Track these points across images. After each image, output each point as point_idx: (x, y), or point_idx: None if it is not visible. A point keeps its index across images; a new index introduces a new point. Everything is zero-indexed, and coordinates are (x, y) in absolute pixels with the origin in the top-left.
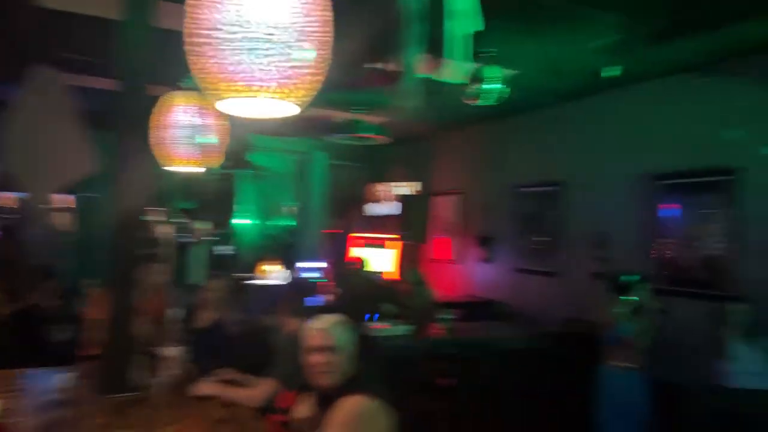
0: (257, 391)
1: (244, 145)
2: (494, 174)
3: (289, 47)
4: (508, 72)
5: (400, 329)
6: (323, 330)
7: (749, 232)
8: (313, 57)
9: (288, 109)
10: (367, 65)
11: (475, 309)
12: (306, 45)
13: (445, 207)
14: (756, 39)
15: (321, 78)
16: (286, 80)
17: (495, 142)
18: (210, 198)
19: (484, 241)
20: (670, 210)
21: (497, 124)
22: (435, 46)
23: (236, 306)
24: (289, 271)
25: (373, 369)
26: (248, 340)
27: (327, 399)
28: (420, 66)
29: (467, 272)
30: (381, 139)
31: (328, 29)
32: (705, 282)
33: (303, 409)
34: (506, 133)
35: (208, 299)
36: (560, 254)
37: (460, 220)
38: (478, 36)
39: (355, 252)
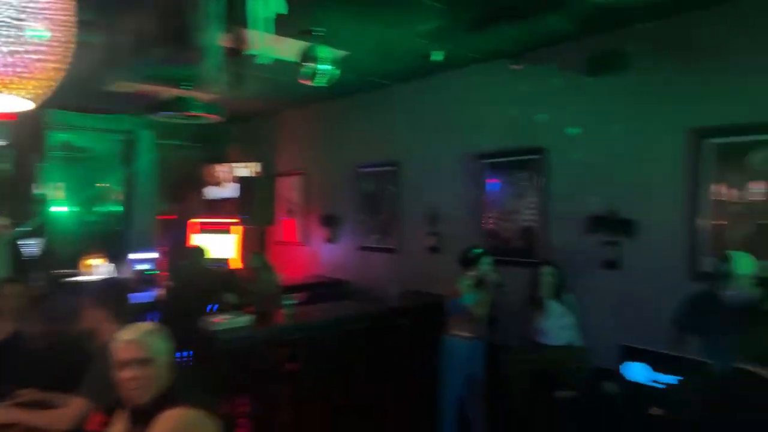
0: (64, 412)
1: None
2: (336, 154)
3: (12, 27)
4: (339, 53)
5: (241, 320)
6: (134, 341)
7: (553, 205)
8: (47, 39)
9: (16, 104)
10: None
11: (321, 290)
12: (35, 24)
13: (289, 188)
14: (556, 30)
15: (61, 66)
16: (7, 69)
17: (336, 121)
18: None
19: (329, 221)
20: (493, 186)
21: (337, 104)
22: (238, 24)
23: (41, 313)
24: (113, 264)
25: (195, 375)
26: (55, 353)
27: (143, 416)
28: (230, 42)
29: (313, 253)
30: (212, 117)
31: (67, 6)
32: (522, 250)
33: (118, 429)
34: (346, 112)
35: (3, 307)
36: (399, 231)
37: (304, 201)
38: (309, 16)
39: (195, 239)
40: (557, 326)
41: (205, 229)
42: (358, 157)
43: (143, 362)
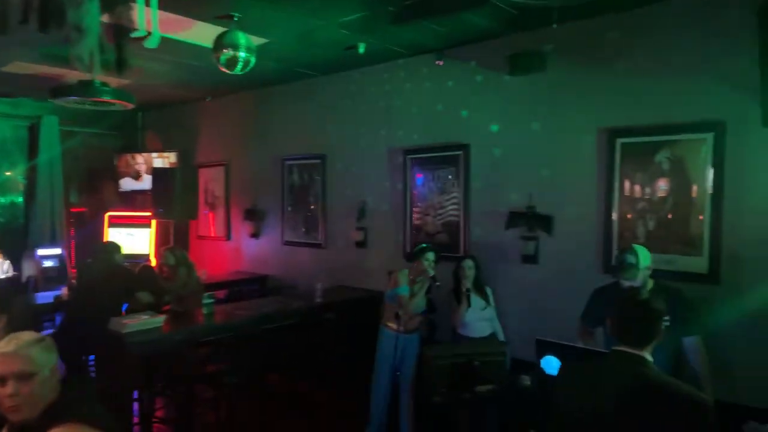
0: None
1: None
2: (261, 145)
3: None
4: (258, 40)
5: (154, 321)
6: (11, 354)
7: (475, 200)
8: None
9: None
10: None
11: (245, 287)
12: None
13: (210, 180)
14: (478, 28)
15: None
16: None
17: (260, 111)
18: None
19: (253, 215)
20: (418, 181)
21: (262, 93)
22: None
23: None
24: (7, 261)
25: (91, 386)
26: None
27: None
28: (112, 20)
29: (236, 249)
30: (123, 104)
31: None
32: (446, 245)
33: None
34: (271, 102)
35: None
36: (326, 226)
37: (226, 194)
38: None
39: (109, 234)
40: (478, 319)
41: (120, 222)
42: (284, 149)
43: (24, 377)
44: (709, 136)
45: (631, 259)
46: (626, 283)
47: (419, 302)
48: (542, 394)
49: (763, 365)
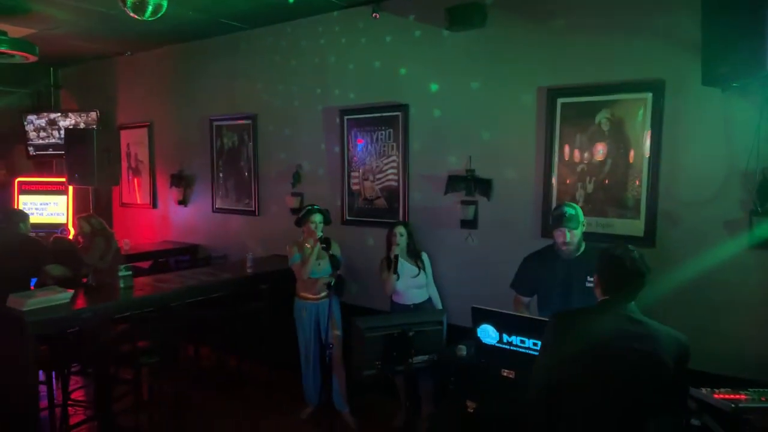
0: None
1: None
2: (187, 104)
3: None
4: None
5: (59, 297)
6: None
7: (414, 164)
8: None
9: None
10: None
11: (172, 257)
12: None
13: (133, 142)
14: None
15: None
16: None
17: (186, 67)
18: None
19: (180, 181)
20: (356, 143)
21: (187, 48)
22: None
23: None
24: None
25: None
26: None
27: None
28: None
29: (162, 217)
30: (23, 55)
31: None
32: (385, 210)
33: None
34: (198, 57)
35: None
36: (258, 191)
37: (151, 158)
38: None
39: (20, 202)
40: (411, 286)
41: (32, 189)
42: (211, 109)
43: None
44: (648, 96)
45: (570, 210)
46: (561, 241)
47: (313, 267)
48: (479, 363)
49: (697, 327)
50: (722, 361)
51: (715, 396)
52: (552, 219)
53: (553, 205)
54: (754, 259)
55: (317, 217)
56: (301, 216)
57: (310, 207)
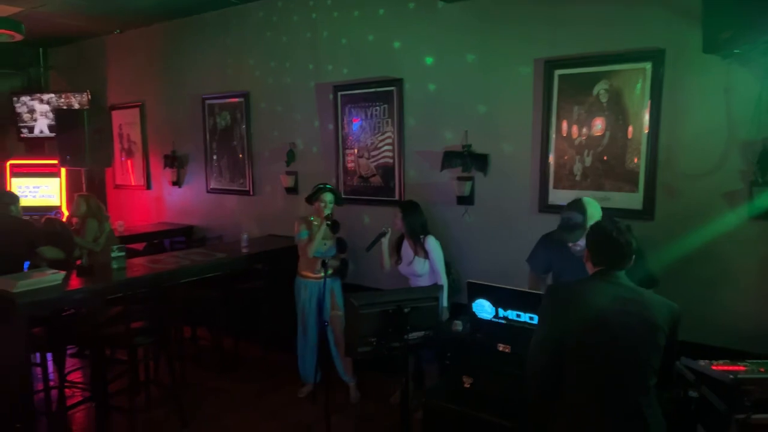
0: None
1: None
2: (178, 83)
3: None
4: None
5: (51, 278)
6: None
7: (409, 140)
8: None
9: None
10: None
11: (168, 238)
12: None
13: (125, 123)
14: None
15: None
16: None
17: (176, 45)
18: None
19: (173, 162)
20: (350, 120)
21: (175, 25)
22: None
23: None
24: None
25: None
26: None
27: None
28: None
29: (157, 198)
30: (9, 33)
31: None
32: (381, 188)
33: None
34: (187, 34)
35: None
36: (253, 171)
37: (144, 138)
38: None
39: (13, 185)
40: (410, 274)
41: (24, 172)
42: (203, 87)
43: None
44: (648, 66)
45: (577, 218)
46: (571, 247)
47: (319, 246)
48: (474, 338)
49: (694, 300)
50: (720, 333)
51: (714, 368)
52: (563, 226)
53: (551, 180)
54: (755, 230)
55: (328, 196)
56: (312, 193)
57: (321, 185)
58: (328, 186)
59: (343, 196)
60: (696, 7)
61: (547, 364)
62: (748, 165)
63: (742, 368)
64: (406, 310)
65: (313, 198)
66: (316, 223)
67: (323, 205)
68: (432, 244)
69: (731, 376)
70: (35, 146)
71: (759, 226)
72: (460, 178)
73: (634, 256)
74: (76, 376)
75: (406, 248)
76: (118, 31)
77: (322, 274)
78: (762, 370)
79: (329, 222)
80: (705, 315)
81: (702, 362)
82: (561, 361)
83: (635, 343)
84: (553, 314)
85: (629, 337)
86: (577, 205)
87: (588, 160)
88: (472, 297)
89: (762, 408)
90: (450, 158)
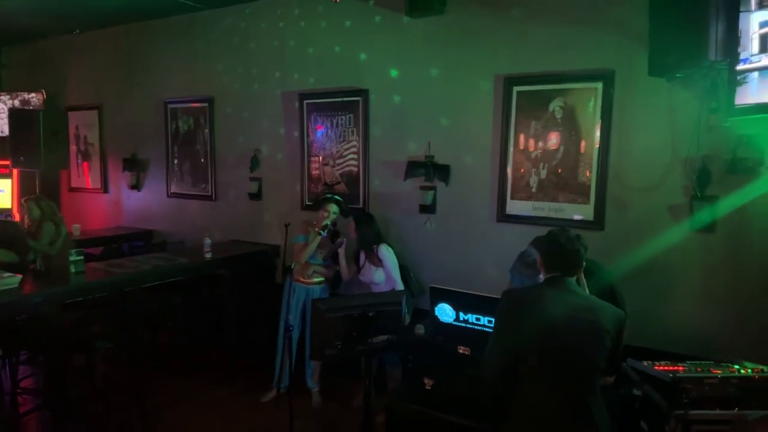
0: None
1: None
2: (140, 86)
3: None
4: None
5: (7, 282)
6: None
7: (374, 149)
8: None
9: None
10: None
11: (126, 242)
12: None
13: (83, 124)
14: None
15: None
16: None
17: (138, 48)
18: None
19: (132, 165)
20: (316, 128)
21: (139, 27)
22: None
23: None
24: None
25: None
26: None
27: None
28: None
29: (114, 202)
30: None
31: None
32: (346, 195)
33: None
34: (151, 38)
35: None
36: (216, 176)
37: (102, 141)
38: None
39: None
40: (365, 282)
41: None
42: (166, 91)
43: None
44: (599, 85)
45: (534, 254)
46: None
47: (311, 253)
48: (436, 341)
49: (642, 307)
50: (665, 339)
51: (656, 368)
52: (523, 260)
53: (508, 190)
54: (695, 242)
55: (332, 207)
56: (318, 201)
57: (329, 195)
58: (335, 197)
59: (307, 203)
60: (644, 33)
61: (502, 367)
62: (690, 181)
63: (681, 368)
64: (370, 314)
65: (318, 206)
66: (316, 229)
67: (326, 215)
68: (384, 252)
69: (671, 376)
70: None
71: (699, 238)
72: (422, 188)
73: (584, 264)
74: (28, 383)
75: (363, 257)
76: (77, 31)
77: (314, 280)
78: (699, 370)
79: (322, 231)
80: (651, 321)
81: (645, 363)
82: (515, 362)
83: (584, 345)
84: (508, 318)
85: (578, 339)
86: (537, 243)
87: (543, 173)
88: (435, 301)
89: (698, 405)
90: (413, 168)
